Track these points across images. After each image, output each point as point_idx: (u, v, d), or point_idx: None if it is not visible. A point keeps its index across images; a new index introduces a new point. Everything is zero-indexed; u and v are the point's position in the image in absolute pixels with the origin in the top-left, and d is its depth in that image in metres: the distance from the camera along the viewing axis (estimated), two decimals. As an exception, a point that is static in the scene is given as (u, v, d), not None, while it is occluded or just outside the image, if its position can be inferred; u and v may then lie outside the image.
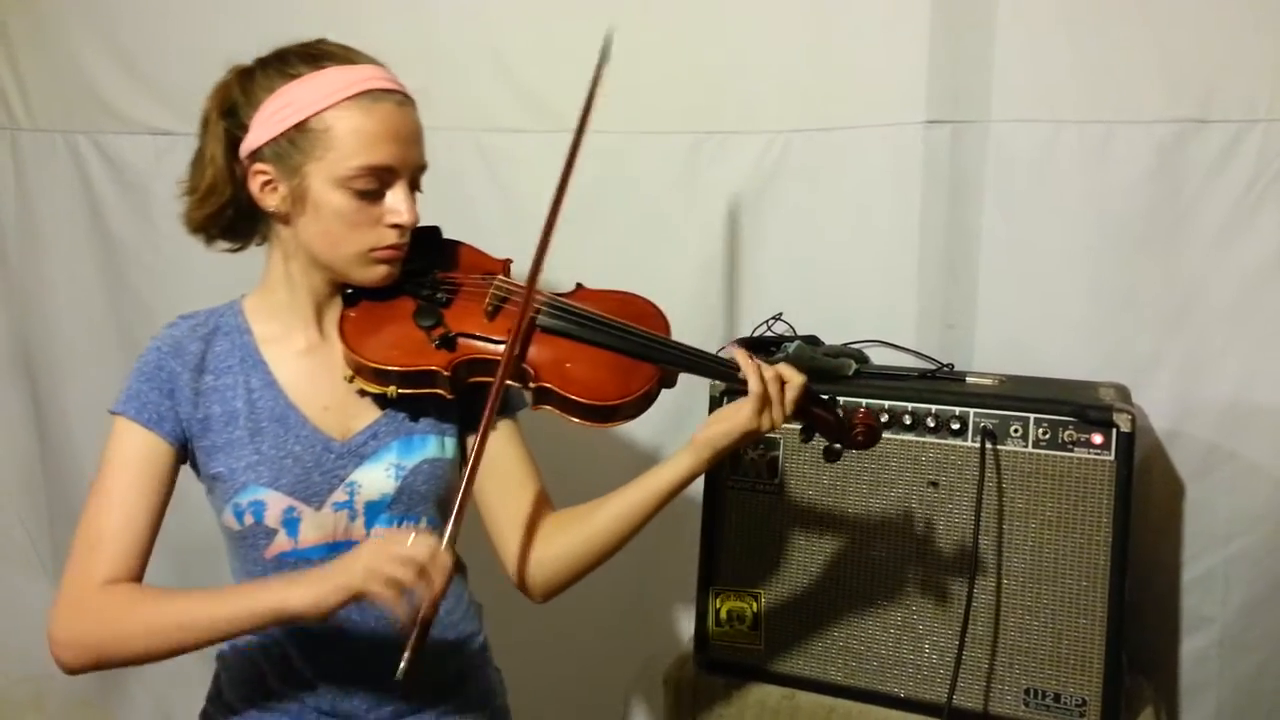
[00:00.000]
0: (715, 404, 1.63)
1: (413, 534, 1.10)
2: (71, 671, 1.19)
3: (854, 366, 1.71)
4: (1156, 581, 1.82)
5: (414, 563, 1.07)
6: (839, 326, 1.86)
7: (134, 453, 1.23)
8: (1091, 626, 1.50)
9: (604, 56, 1.32)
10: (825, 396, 1.33)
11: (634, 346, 1.29)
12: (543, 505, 1.35)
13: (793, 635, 1.66)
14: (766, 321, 1.86)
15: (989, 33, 1.79)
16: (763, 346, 1.76)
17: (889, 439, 1.58)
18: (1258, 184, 1.70)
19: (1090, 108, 1.76)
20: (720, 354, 1.31)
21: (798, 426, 1.33)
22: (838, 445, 1.33)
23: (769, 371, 1.25)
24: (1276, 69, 1.67)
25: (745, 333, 1.86)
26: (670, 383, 1.29)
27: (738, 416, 1.24)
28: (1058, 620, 1.52)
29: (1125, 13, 1.73)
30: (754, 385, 1.23)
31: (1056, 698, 1.52)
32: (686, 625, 1.74)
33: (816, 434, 1.33)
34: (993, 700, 1.55)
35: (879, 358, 1.85)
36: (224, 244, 1.34)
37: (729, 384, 1.44)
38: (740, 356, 1.26)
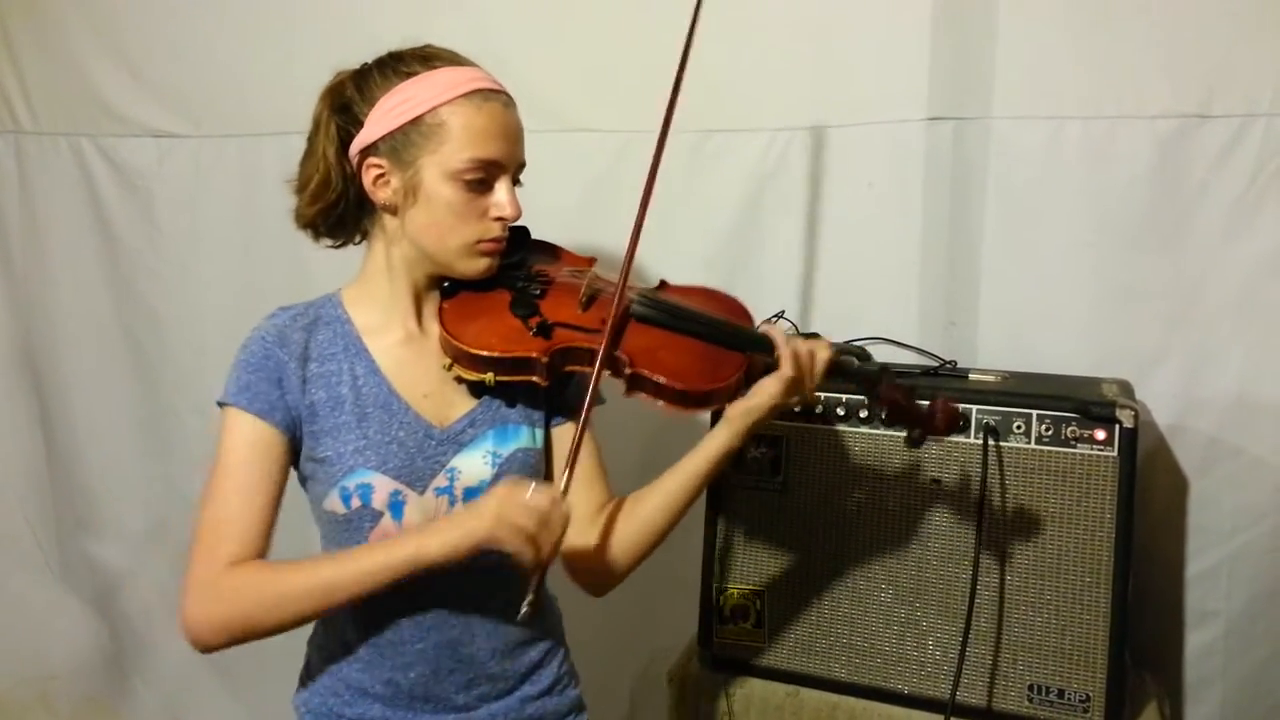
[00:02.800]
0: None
1: (533, 484, 1.15)
2: (209, 650, 1.22)
3: (856, 364, 1.71)
4: (1160, 577, 1.82)
5: (538, 511, 1.13)
6: (841, 324, 1.86)
7: (248, 441, 1.25)
8: (1095, 622, 1.50)
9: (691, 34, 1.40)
10: (906, 383, 1.39)
11: (723, 336, 1.34)
12: (607, 502, 1.39)
13: (796, 632, 1.66)
14: (769, 319, 1.86)
15: (991, 29, 1.79)
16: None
17: (891, 436, 1.59)
18: (1260, 179, 1.70)
19: (1092, 103, 1.76)
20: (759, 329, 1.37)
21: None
22: (918, 431, 1.37)
23: (802, 347, 1.31)
24: (1278, 64, 1.67)
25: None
26: (757, 370, 1.32)
27: (769, 388, 1.30)
28: (1061, 616, 1.52)
29: (1127, 8, 1.72)
30: (786, 368, 1.30)
31: (1060, 693, 1.52)
32: (691, 622, 1.75)
33: (899, 422, 1.40)
34: (996, 696, 1.55)
35: (882, 355, 1.85)
36: (329, 241, 1.38)
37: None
38: (776, 334, 1.32)
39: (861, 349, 1.81)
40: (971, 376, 1.70)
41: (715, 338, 1.34)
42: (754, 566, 1.68)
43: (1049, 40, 1.77)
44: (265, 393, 1.26)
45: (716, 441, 1.32)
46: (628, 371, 1.28)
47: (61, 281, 2.47)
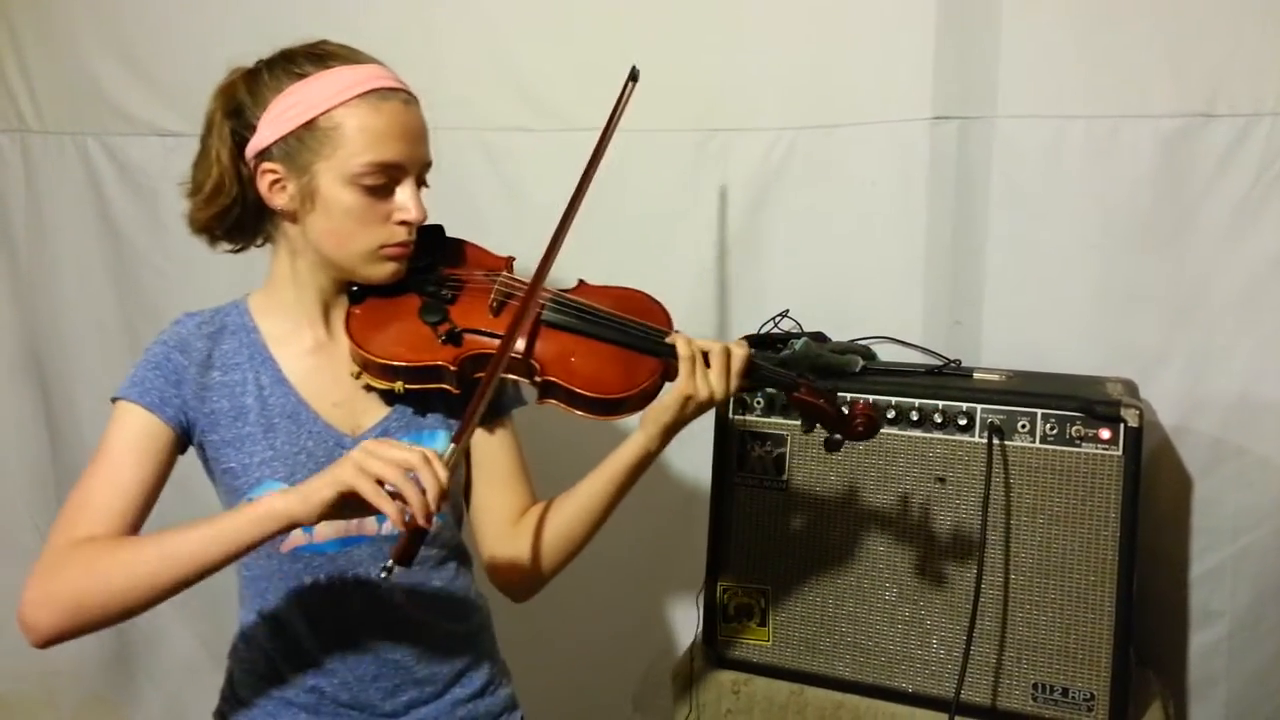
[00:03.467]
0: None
1: (407, 442, 1.11)
2: (44, 639, 1.11)
3: (861, 363, 1.71)
4: (1164, 576, 1.81)
5: (405, 464, 1.05)
6: (846, 323, 1.86)
7: (131, 431, 1.21)
8: (1099, 621, 1.50)
9: (625, 95, 1.35)
10: (825, 386, 1.35)
11: (637, 340, 1.30)
12: (529, 505, 1.37)
13: (800, 631, 1.66)
14: (773, 319, 1.86)
15: (995, 28, 1.79)
16: (770, 344, 1.76)
17: (896, 435, 1.59)
18: (1265, 177, 1.69)
19: (1096, 102, 1.75)
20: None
21: (798, 421, 1.36)
22: (837, 436, 1.35)
23: (713, 347, 1.27)
24: (1283, 62, 1.67)
25: (752, 330, 1.86)
26: (673, 375, 1.29)
27: (676, 385, 1.26)
28: (1066, 615, 1.52)
29: (1131, 7, 1.72)
30: (681, 350, 1.26)
31: (1065, 692, 1.52)
32: (694, 620, 1.75)
33: (817, 425, 1.35)
34: (1001, 695, 1.55)
35: (886, 354, 1.85)
36: (227, 245, 1.34)
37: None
38: (679, 337, 1.28)
39: (865, 348, 1.81)
40: (976, 375, 1.70)
41: (628, 342, 1.31)
42: (758, 565, 1.68)
43: (1053, 39, 1.76)
44: (159, 389, 1.23)
45: (632, 447, 1.29)
46: (538, 379, 1.27)
47: (67, 280, 2.48)
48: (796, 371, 1.36)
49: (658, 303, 1.38)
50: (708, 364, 1.26)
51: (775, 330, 1.85)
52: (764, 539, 1.68)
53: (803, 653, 1.66)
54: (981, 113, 1.82)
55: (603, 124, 1.35)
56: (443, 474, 1.06)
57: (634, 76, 1.37)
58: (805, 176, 1.93)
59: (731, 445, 1.69)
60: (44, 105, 2.44)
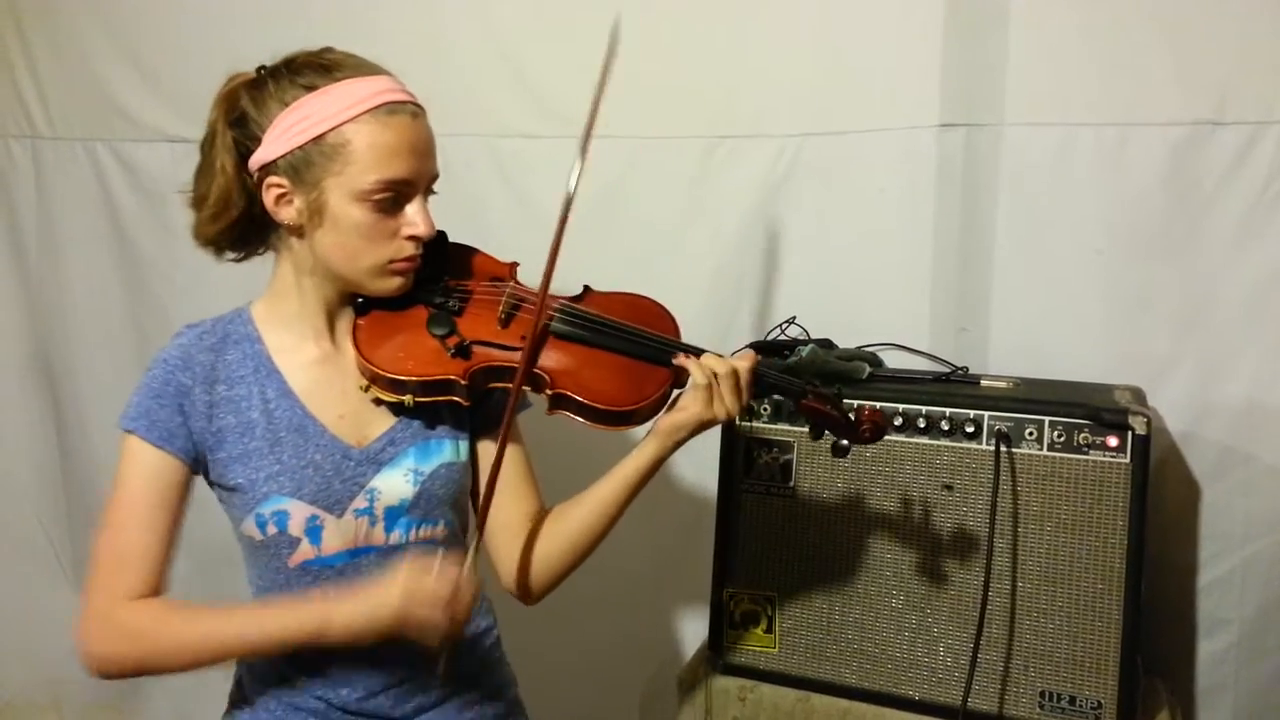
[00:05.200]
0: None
1: (438, 562, 1.15)
2: (101, 678, 1.22)
3: (868, 370, 1.71)
4: (1172, 584, 1.81)
5: (443, 601, 1.13)
6: (853, 330, 1.86)
7: (147, 471, 1.23)
8: (1107, 629, 1.50)
9: (611, 50, 1.27)
10: (831, 392, 1.35)
11: (647, 351, 1.30)
12: (538, 510, 1.37)
13: (807, 638, 1.66)
14: (780, 325, 1.86)
15: (1003, 36, 1.80)
16: (776, 350, 1.77)
17: (903, 442, 1.59)
18: (1273, 185, 1.69)
19: (1104, 110, 1.76)
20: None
21: (805, 428, 1.36)
22: (844, 441, 1.35)
23: (720, 365, 1.27)
24: (1291, 70, 1.67)
25: (759, 336, 1.86)
26: (683, 383, 1.30)
27: (693, 406, 1.27)
28: (1073, 623, 1.52)
29: (1139, 15, 1.72)
30: (698, 378, 1.26)
31: (1072, 700, 1.52)
32: (701, 627, 1.75)
33: (825, 431, 1.35)
34: (1008, 703, 1.55)
35: (893, 361, 1.85)
36: (231, 255, 1.33)
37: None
38: (688, 351, 1.29)
39: (872, 355, 1.81)
40: (983, 383, 1.69)
41: (638, 353, 1.31)
42: (765, 572, 1.68)
43: (1061, 47, 1.77)
44: (165, 420, 1.22)
45: (644, 455, 1.29)
46: (549, 391, 1.27)
47: (76, 285, 2.49)
48: (804, 379, 1.36)
49: (665, 309, 1.38)
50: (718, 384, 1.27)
51: (782, 337, 1.85)
52: (771, 546, 1.67)
53: (809, 660, 1.66)
54: (989, 120, 1.82)
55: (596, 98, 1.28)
56: (474, 591, 1.17)
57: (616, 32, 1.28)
58: (812, 183, 1.93)
59: (738, 452, 1.69)
60: (55, 111, 2.45)
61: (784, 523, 1.67)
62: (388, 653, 1.29)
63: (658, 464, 1.31)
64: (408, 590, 1.14)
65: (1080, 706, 1.52)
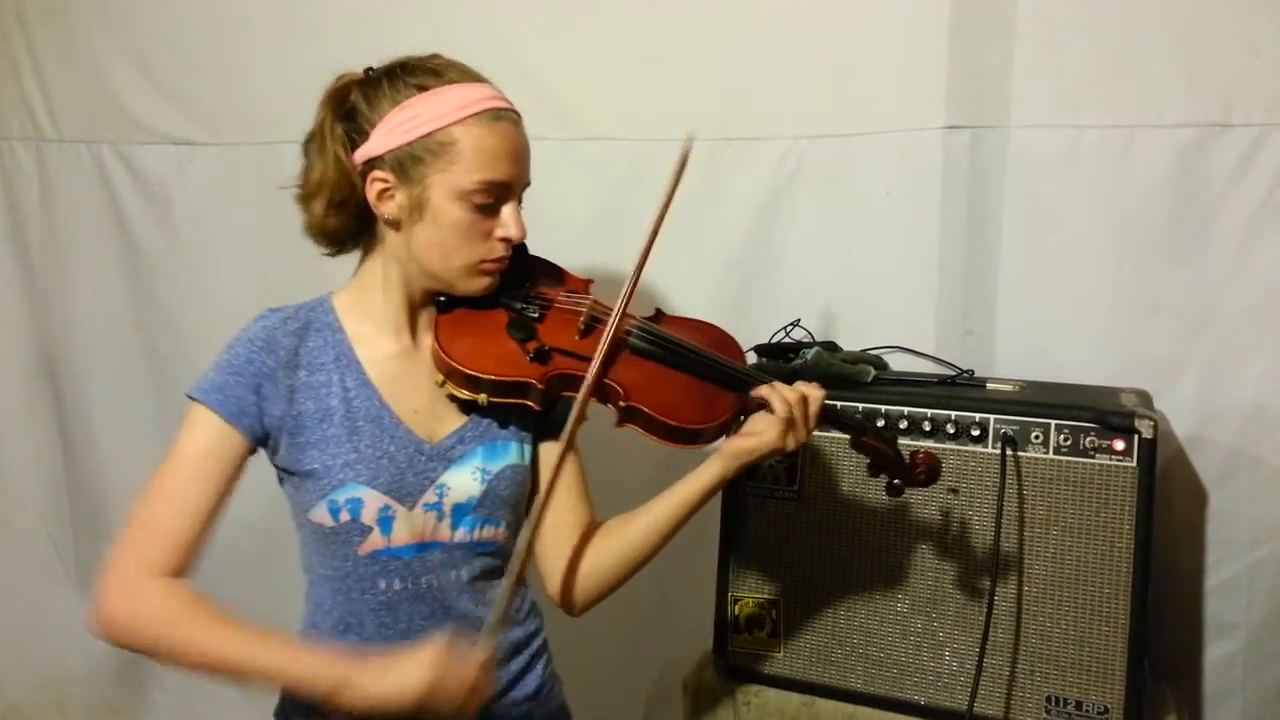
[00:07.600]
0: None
1: (467, 647, 1.16)
2: (105, 640, 1.20)
3: (872, 373, 1.71)
4: (1179, 588, 1.80)
5: (469, 687, 1.14)
6: (857, 332, 1.86)
7: (208, 443, 1.23)
8: (1113, 633, 1.49)
9: (681, 167, 1.38)
10: (889, 435, 1.41)
11: (719, 376, 1.34)
12: (590, 523, 1.39)
13: (812, 641, 1.65)
14: (785, 328, 1.86)
15: (1009, 37, 1.79)
16: (781, 353, 1.76)
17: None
18: (1280, 188, 1.69)
19: (1111, 112, 1.75)
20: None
21: (866, 460, 1.41)
22: (897, 481, 1.40)
23: (793, 394, 1.30)
24: (1298, 73, 1.67)
25: (763, 339, 1.85)
26: (750, 410, 1.33)
27: (767, 434, 1.29)
28: (1079, 627, 1.51)
29: (1146, 16, 1.72)
30: (779, 410, 1.28)
31: (1078, 705, 1.51)
32: (706, 631, 1.74)
33: (881, 472, 1.40)
34: (1014, 708, 1.54)
35: (898, 364, 1.85)
36: (327, 248, 1.36)
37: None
38: (763, 380, 1.32)
39: (877, 358, 1.81)
40: (989, 386, 1.69)
41: (710, 376, 1.34)
42: (769, 575, 1.67)
43: (1067, 48, 1.76)
44: (239, 397, 1.24)
45: (709, 474, 1.32)
46: (622, 404, 1.29)
47: (81, 288, 2.49)
48: (863, 417, 1.39)
49: (733, 339, 1.43)
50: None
51: (787, 339, 1.84)
52: (776, 549, 1.67)
53: (814, 664, 1.65)
54: (995, 122, 1.82)
55: (667, 190, 1.38)
56: (493, 676, 1.19)
57: (688, 147, 1.38)
58: (818, 185, 1.93)
59: (743, 455, 1.69)
60: (59, 113, 2.46)
61: (789, 526, 1.66)
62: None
63: (720, 486, 1.34)
64: (438, 673, 1.13)
65: (1087, 711, 1.51)
